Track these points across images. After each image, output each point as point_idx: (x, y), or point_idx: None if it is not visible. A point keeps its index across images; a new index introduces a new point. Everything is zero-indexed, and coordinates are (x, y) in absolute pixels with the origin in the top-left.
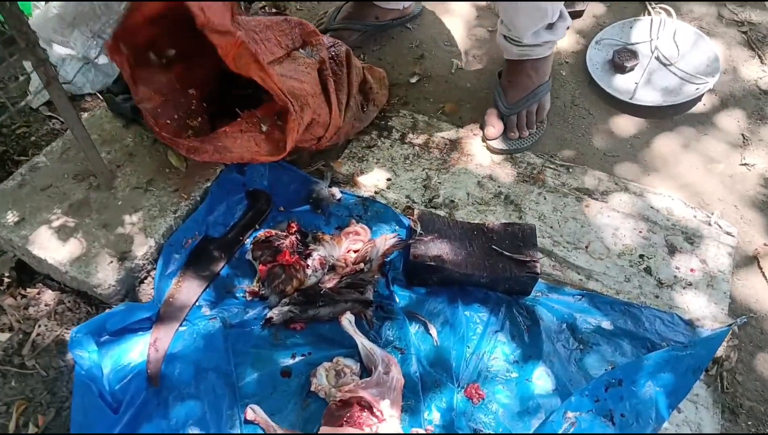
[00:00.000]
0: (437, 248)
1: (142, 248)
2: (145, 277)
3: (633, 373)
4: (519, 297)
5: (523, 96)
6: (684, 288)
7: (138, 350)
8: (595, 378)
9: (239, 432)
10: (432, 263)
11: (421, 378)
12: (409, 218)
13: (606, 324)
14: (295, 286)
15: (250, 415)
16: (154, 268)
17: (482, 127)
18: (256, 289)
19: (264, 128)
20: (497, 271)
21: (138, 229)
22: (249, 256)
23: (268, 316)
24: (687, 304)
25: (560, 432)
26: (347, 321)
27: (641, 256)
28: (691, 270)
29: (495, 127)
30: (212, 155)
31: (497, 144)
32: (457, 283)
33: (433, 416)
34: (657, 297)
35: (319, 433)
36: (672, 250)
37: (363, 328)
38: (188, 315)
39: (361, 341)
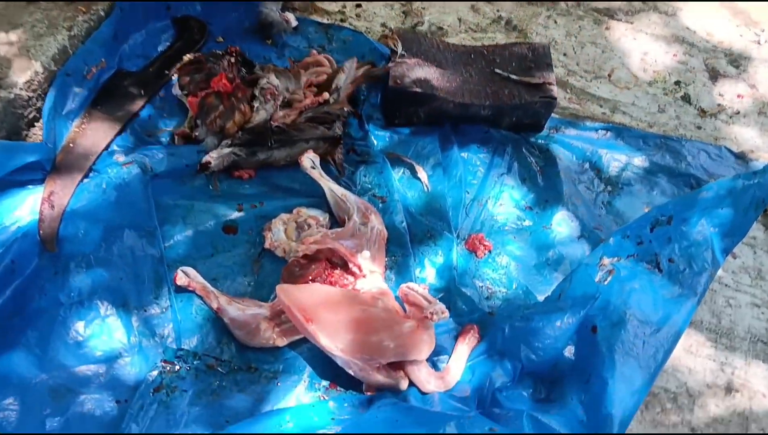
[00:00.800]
0: (424, 72)
1: (24, 74)
2: (35, 118)
3: (684, 209)
4: (529, 134)
5: None
6: (731, 117)
7: (27, 207)
8: (640, 216)
9: (167, 302)
10: (418, 90)
11: (409, 229)
12: (387, 42)
13: (639, 160)
14: (238, 123)
15: (181, 279)
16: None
17: None
18: (187, 131)
19: None
20: (502, 98)
21: (17, 49)
22: (176, 91)
23: (204, 160)
24: (735, 135)
25: (596, 281)
26: (309, 161)
27: (677, 82)
28: (739, 96)
29: None
30: None
31: None
32: (451, 119)
33: (427, 273)
34: (699, 128)
35: (277, 294)
36: (714, 74)
37: (331, 174)
38: (96, 163)
39: (329, 187)
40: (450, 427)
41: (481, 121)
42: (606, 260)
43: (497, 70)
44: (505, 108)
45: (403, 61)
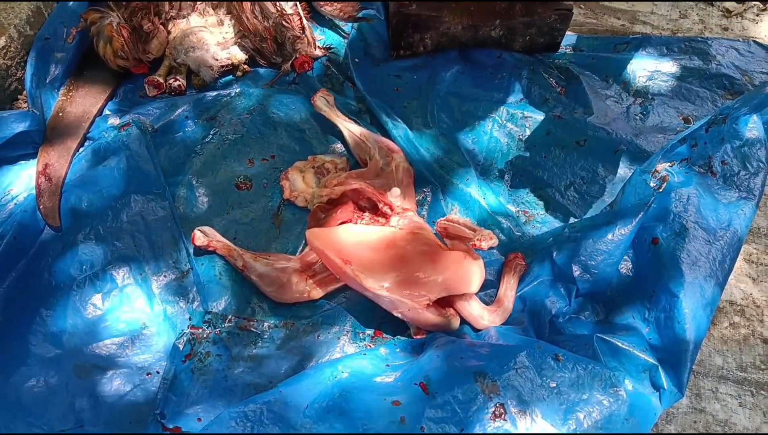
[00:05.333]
0: None
1: None
2: (18, 90)
3: (738, 106)
4: (545, 55)
5: None
6: (758, 15)
7: (22, 183)
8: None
9: (188, 265)
10: (422, 12)
11: (427, 164)
12: None
13: (666, 66)
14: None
15: (199, 239)
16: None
17: None
18: (159, 79)
19: None
20: (513, 15)
21: None
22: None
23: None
24: (765, 33)
25: (651, 188)
26: (322, 100)
27: None
28: None
29: None
30: None
31: None
32: (460, 45)
33: (454, 207)
34: (726, 29)
35: (308, 239)
36: None
37: (343, 112)
38: (90, 130)
39: (347, 126)
40: (521, 357)
41: (493, 45)
42: (660, 166)
43: None
44: (518, 26)
45: None
